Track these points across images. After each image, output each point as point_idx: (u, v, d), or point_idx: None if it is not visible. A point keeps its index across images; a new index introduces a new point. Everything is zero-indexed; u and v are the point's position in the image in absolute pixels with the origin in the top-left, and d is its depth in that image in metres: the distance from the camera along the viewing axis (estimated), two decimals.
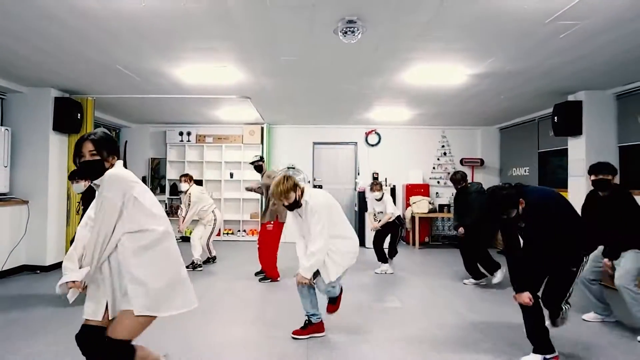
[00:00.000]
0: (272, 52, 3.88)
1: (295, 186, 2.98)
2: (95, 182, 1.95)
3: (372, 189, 5.45)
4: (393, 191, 8.00)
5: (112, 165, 2.00)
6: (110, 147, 2.02)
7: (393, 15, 3.02)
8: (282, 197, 2.96)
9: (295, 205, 3.00)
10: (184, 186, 5.58)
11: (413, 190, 7.91)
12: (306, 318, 3.16)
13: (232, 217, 8.25)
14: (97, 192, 1.95)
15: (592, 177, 3.36)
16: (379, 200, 5.43)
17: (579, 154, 5.27)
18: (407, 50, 3.78)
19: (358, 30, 3.11)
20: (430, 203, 7.64)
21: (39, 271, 5.14)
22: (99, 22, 3.17)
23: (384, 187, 5.74)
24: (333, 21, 3.11)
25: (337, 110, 6.84)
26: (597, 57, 3.86)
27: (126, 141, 8.29)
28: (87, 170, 1.96)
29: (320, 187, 8.54)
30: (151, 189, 8.59)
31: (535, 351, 2.67)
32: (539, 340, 2.65)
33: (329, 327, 3.22)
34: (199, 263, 5.49)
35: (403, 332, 3.24)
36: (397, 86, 5.10)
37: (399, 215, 5.48)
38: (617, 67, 4.21)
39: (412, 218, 7.57)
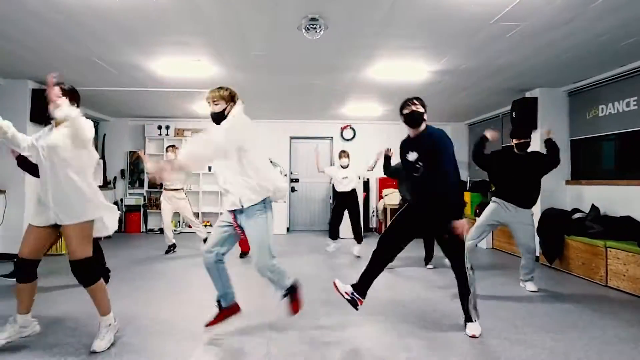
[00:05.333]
0: (242, 47, 4.09)
1: (232, 97, 2.73)
2: (62, 116, 2.42)
3: (340, 157, 5.77)
4: (367, 184, 8.31)
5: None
6: (71, 95, 2.60)
7: (350, 13, 3.27)
8: (213, 99, 2.69)
9: (220, 117, 2.69)
10: (171, 156, 5.82)
11: (385, 183, 8.22)
12: (216, 304, 2.84)
13: (211, 209, 8.44)
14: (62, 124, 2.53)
15: (515, 141, 4.04)
16: (345, 167, 5.71)
17: (534, 147, 5.62)
18: (370, 47, 4.05)
19: (320, 27, 3.37)
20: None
21: (15, 259, 5.23)
22: (74, 16, 3.33)
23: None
24: (296, 18, 3.36)
25: (312, 105, 7.08)
26: (541, 56, 4.20)
27: (104, 134, 8.37)
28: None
29: (296, 180, 8.81)
30: (130, 182, 8.67)
31: (472, 320, 2.88)
32: (475, 307, 2.90)
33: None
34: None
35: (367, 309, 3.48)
36: (365, 82, 5.37)
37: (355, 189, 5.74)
38: (562, 66, 4.58)
39: (385, 209, 7.88)
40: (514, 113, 5.73)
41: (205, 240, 5.78)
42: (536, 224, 5.27)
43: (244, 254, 5.42)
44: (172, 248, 5.94)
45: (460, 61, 4.42)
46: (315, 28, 3.33)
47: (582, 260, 4.58)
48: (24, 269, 2.54)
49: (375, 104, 6.85)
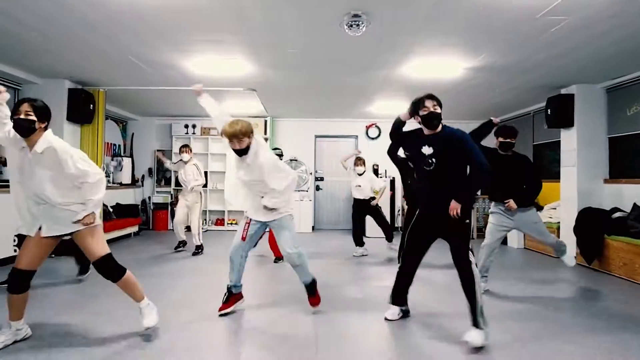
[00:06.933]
0: (280, 44, 4.10)
1: (251, 132, 2.79)
2: (36, 149, 2.35)
3: (355, 164, 5.75)
4: (393, 183, 8.24)
5: (41, 129, 2.40)
6: (42, 113, 2.41)
7: (395, 9, 3.24)
8: (235, 138, 2.69)
9: (245, 152, 2.80)
10: (185, 157, 5.79)
11: None
12: (226, 291, 3.19)
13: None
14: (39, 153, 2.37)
15: (500, 139, 3.81)
16: (361, 175, 5.71)
17: (571, 145, 5.52)
18: (409, 44, 4.01)
19: (363, 23, 3.35)
20: None
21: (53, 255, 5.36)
22: (114, 15, 3.38)
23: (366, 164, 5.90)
24: (339, 15, 3.34)
25: (339, 103, 7.06)
26: (582, 51, 4.09)
27: (132, 133, 8.51)
28: (20, 126, 2.34)
29: (321, 179, 8.80)
30: (157, 180, 8.77)
31: (479, 327, 2.63)
32: (482, 312, 2.66)
33: (329, 302, 3.44)
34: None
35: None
36: (398, 79, 5.33)
37: (374, 197, 5.72)
38: (602, 62, 4.45)
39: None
40: (549, 110, 5.61)
41: (198, 249, 5.79)
42: (573, 224, 5.19)
43: (277, 259, 5.22)
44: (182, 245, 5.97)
45: (497, 57, 4.34)
46: (358, 24, 3.31)
47: (623, 260, 4.46)
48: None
49: (403, 102, 6.79)
